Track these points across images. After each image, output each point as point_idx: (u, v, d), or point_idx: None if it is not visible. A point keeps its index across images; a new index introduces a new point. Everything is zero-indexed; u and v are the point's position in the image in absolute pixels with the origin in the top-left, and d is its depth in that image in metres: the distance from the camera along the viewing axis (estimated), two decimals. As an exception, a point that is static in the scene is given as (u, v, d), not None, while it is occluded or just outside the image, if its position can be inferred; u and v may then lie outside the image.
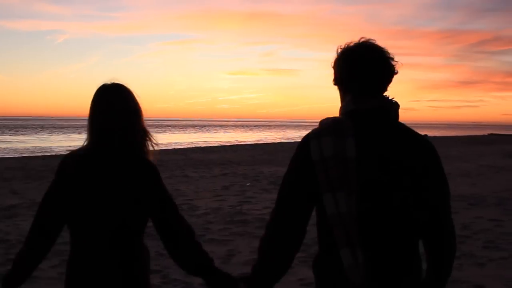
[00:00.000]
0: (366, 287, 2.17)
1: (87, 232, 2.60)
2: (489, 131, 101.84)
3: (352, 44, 2.32)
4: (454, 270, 6.59)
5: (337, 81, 2.39)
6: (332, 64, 2.39)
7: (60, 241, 8.15)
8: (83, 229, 2.61)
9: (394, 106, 2.32)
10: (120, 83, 2.71)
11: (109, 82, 2.70)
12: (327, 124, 2.26)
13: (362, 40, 2.32)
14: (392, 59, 2.31)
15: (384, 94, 2.33)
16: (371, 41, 2.32)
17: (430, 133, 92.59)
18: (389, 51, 2.33)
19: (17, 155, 31.53)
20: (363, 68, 2.27)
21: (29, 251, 2.68)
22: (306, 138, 2.31)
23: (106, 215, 2.55)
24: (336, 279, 2.33)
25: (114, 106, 2.62)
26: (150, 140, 2.77)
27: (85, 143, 2.67)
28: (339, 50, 2.35)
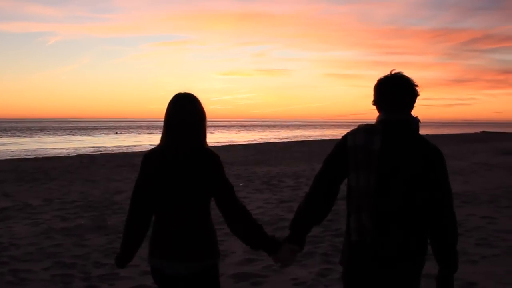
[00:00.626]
0: (373, 245, 3.06)
1: (167, 207, 3.26)
2: (481, 129, 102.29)
3: (383, 76, 3.21)
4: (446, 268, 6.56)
5: (374, 102, 3.25)
6: (373, 90, 3.25)
7: (52, 243, 8.17)
8: (165, 205, 3.27)
9: (415, 120, 3.18)
10: (190, 92, 3.37)
11: (182, 92, 3.37)
12: (362, 126, 3.19)
13: (393, 72, 3.20)
14: (415, 85, 3.17)
15: (411, 111, 3.20)
16: (400, 72, 3.20)
17: (423, 131, 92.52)
18: (412, 80, 3.20)
19: (8, 158, 31.40)
20: (389, 93, 3.15)
21: (129, 232, 3.42)
22: (346, 134, 3.24)
23: (182, 196, 3.23)
24: (351, 247, 3.18)
25: (185, 109, 3.30)
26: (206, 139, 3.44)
27: (162, 140, 3.37)
28: (377, 82, 3.23)
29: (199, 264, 3.22)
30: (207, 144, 3.42)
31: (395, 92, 3.15)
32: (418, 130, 3.18)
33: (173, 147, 3.29)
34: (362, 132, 3.14)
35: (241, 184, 15.41)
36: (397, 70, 3.22)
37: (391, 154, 3.04)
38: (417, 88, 3.19)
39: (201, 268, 3.23)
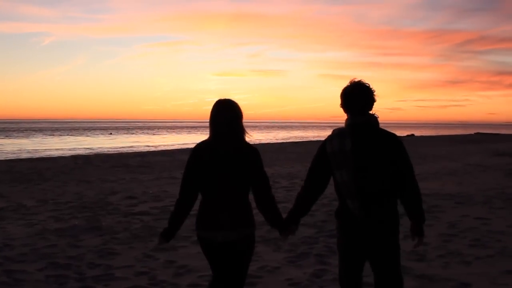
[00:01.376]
0: (361, 216, 3.99)
1: (217, 190, 4.04)
2: (475, 130, 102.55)
3: (347, 85, 4.07)
4: (441, 268, 6.63)
5: (342, 106, 4.12)
6: (340, 96, 4.10)
7: (46, 244, 8.15)
8: (208, 187, 4.07)
9: (375, 119, 4.07)
10: (230, 98, 4.14)
11: (222, 98, 4.12)
12: (336, 130, 4.11)
13: (356, 80, 4.07)
14: (373, 91, 4.06)
15: (370, 111, 4.08)
16: (360, 81, 4.06)
17: (417, 132, 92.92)
18: (371, 86, 4.11)
19: (3, 158, 31.31)
20: (351, 101, 4.03)
21: (179, 210, 4.27)
22: (324, 140, 4.15)
23: (229, 181, 4.01)
24: (345, 214, 4.10)
25: (226, 112, 4.05)
26: (247, 133, 4.14)
27: (208, 137, 4.12)
28: (342, 89, 4.08)
29: (245, 231, 4.11)
30: (244, 138, 4.13)
31: (357, 99, 4.03)
32: (378, 125, 4.08)
33: (220, 141, 4.04)
34: (336, 137, 4.05)
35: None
36: (358, 79, 4.08)
37: (361, 151, 3.96)
38: (374, 93, 4.08)
39: (245, 234, 4.12)
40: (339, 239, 4.25)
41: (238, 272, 4.21)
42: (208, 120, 4.14)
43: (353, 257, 4.18)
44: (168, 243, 4.46)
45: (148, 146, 48.21)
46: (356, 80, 4.07)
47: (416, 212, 4.19)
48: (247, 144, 4.12)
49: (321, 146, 4.17)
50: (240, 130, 4.07)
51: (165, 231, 4.34)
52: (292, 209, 4.34)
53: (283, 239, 4.52)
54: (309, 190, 4.25)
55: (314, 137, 72.10)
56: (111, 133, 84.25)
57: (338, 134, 4.05)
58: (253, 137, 4.31)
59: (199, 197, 4.24)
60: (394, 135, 4.10)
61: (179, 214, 4.28)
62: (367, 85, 4.05)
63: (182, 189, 4.23)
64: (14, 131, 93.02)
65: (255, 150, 4.11)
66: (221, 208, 4.06)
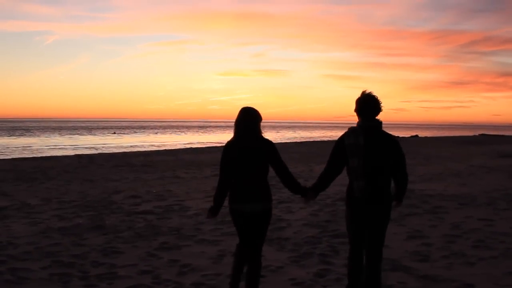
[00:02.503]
0: (364, 193, 5.21)
1: (240, 174, 5.34)
2: (480, 132, 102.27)
3: (361, 95, 5.34)
4: (444, 269, 6.62)
5: (356, 111, 5.38)
6: (355, 103, 5.37)
7: (50, 242, 8.16)
8: (238, 174, 5.34)
9: (380, 123, 5.35)
10: (251, 106, 5.51)
11: (245, 106, 5.50)
12: (350, 130, 5.34)
13: (367, 92, 5.35)
14: (380, 102, 5.33)
15: (376, 117, 5.35)
16: (371, 93, 5.33)
17: (421, 133, 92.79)
18: (376, 97, 5.39)
19: (7, 157, 31.38)
20: (364, 109, 5.30)
21: (220, 192, 5.45)
22: (342, 136, 5.37)
23: (248, 167, 5.32)
24: (352, 192, 5.33)
25: (245, 119, 5.40)
26: (263, 132, 5.46)
27: (235, 135, 5.44)
28: (357, 99, 5.37)
29: (266, 204, 5.40)
30: (262, 135, 5.44)
31: (368, 108, 5.31)
32: (381, 128, 5.38)
33: (241, 140, 5.38)
34: (351, 134, 5.31)
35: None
36: (368, 91, 5.36)
37: (370, 146, 5.23)
38: (381, 104, 5.36)
39: (267, 206, 5.41)
40: (347, 212, 5.54)
41: (260, 236, 5.50)
42: (234, 123, 5.52)
43: (354, 224, 5.44)
44: (215, 217, 5.72)
45: (152, 145, 48.27)
46: (367, 91, 5.36)
47: (402, 190, 5.58)
48: (263, 139, 5.42)
49: (340, 139, 5.43)
50: (256, 131, 5.39)
51: (211, 208, 5.55)
52: (315, 183, 5.59)
53: (306, 202, 5.75)
54: (329, 171, 5.49)
55: (317, 137, 72.10)
56: (114, 133, 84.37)
57: (353, 131, 5.34)
58: (267, 134, 5.60)
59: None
60: (392, 136, 5.43)
61: (220, 194, 5.48)
62: (376, 97, 5.34)
63: (221, 175, 5.45)
64: (17, 130, 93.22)
65: (269, 142, 5.44)
66: (248, 188, 5.34)
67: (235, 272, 5.59)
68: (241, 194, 5.37)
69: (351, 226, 5.46)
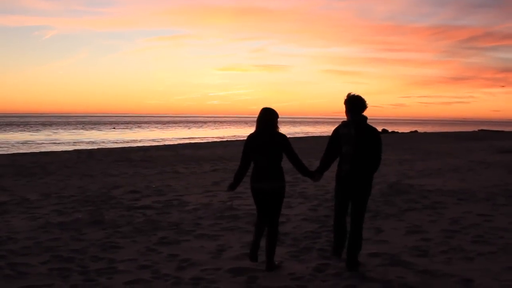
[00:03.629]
0: (350, 175, 6.50)
1: (259, 159, 6.51)
2: (479, 127, 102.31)
3: (348, 97, 6.57)
4: (443, 264, 6.64)
5: (346, 110, 6.58)
6: (344, 103, 6.59)
7: (49, 237, 8.15)
8: (257, 158, 6.51)
9: (365, 118, 6.55)
10: (269, 107, 6.63)
11: (266, 107, 6.63)
12: (344, 123, 6.59)
13: (352, 93, 6.59)
14: (365, 101, 6.56)
15: (362, 113, 6.57)
16: (356, 94, 6.59)
17: (420, 129, 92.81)
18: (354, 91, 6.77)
19: (6, 152, 31.37)
20: (353, 107, 6.54)
21: (239, 172, 6.73)
22: (337, 127, 6.67)
23: (266, 155, 6.45)
24: (340, 173, 6.60)
25: (268, 115, 6.55)
26: (278, 128, 6.63)
27: (256, 129, 6.55)
28: (345, 98, 6.59)
29: (281, 183, 6.56)
30: (278, 130, 6.62)
31: (356, 106, 6.58)
32: (366, 121, 6.60)
33: (264, 132, 6.54)
34: (344, 126, 6.60)
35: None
36: (353, 93, 6.64)
37: (359, 136, 6.47)
38: (366, 102, 6.60)
39: (281, 185, 6.57)
40: (335, 188, 6.81)
41: (275, 209, 6.63)
42: (256, 119, 6.68)
43: (343, 198, 6.72)
44: (234, 191, 7.00)
45: (151, 140, 48.26)
46: (352, 93, 6.64)
47: (375, 168, 6.67)
48: (278, 133, 6.58)
49: (335, 130, 6.74)
50: (272, 127, 6.55)
51: (231, 184, 6.87)
52: (318, 166, 6.86)
53: (314, 181, 6.94)
54: (328, 156, 6.82)
55: (317, 132, 72.12)
56: (114, 128, 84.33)
57: (346, 124, 6.61)
58: (282, 129, 6.76)
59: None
60: (375, 128, 6.65)
61: (240, 174, 6.78)
62: (361, 97, 6.61)
63: (242, 160, 6.73)
64: (16, 125, 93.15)
65: (283, 136, 6.60)
66: (264, 170, 6.53)
67: (255, 238, 6.69)
68: (259, 175, 6.56)
69: (338, 198, 6.77)
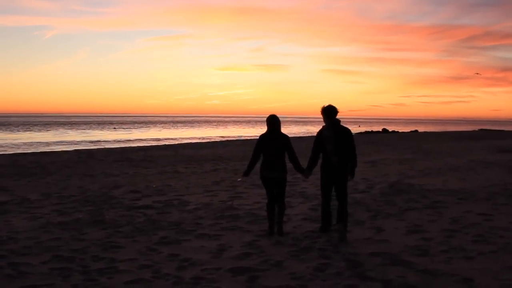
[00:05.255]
0: (338, 164, 8.23)
1: (267, 153, 8.38)
2: (479, 127, 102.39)
3: (323, 107, 8.42)
4: (444, 264, 6.63)
5: (323, 116, 8.40)
6: (321, 112, 8.43)
7: (50, 237, 8.14)
8: (266, 153, 8.38)
9: (339, 121, 8.39)
10: (274, 114, 8.56)
11: (272, 114, 8.54)
12: (325, 127, 8.40)
13: (327, 105, 8.45)
14: (337, 108, 8.41)
15: (336, 117, 8.45)
16: (328, 105, 8.46)
17: (420, 128, 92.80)
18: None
19: (6, 152, 31.39)
20: (328, 114, 8.37)
21: (251, 162, 8.58)
22: (320, 130, 8.47)
23: (272, 150, 8.34)
24: (326, 166, 8.36)
25: (274, 120, 8.46)
26: (282, 128, 8.61)
27: (267, 130, 8.44)
28: (321, 109, 8.43)
29: (283, 173, 8.36)
30: (281, 131, 8.52)
31: (330, 113, 8.31)
32: (340, 123, 8.34)
33: (272, 132, 8.40)
34: (325, 129, 8.30)
35: (239, 180, 15.43)
36: (327, 104, 8.44)
37: (337, 136, 8.19)
38: (337, 109, 8.37)
39: (283, 175, 8.37)
40: (321, 176, 8.47)
41: (280, 192, 8.47)
42: (266, 122, 8.56)
43: (327, 184, 8.44)
44: (247, 176, 8.84)
45: (151, 140, 48.26)
46: (326, 105, 8.44)
47: (353, 166, 8.37)
48: (282, 133, 8.49)
49: (319, 132, 8.48)
50: (279, 128, 8.49)
51: (245, 172, 8.77)
52: (307, 165, 8.48)
53: (304, 178, 8.77)
54: (315, 155, 8.48)
55: (317, 132, 71.95)
56: (114, 128, 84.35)
57: (327, 128, 8.35)
58: (287, 129, 7.63)
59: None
60: (348, 128, 8.47)
61: (252, 164, 8.61)
62: (333, 105, 8.42)
63: (254, 153, 8.55)
64: (16, 125, 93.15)
65: (286, 136, 8.52)
66: (271, 162, 8.36)
67: (270, 215, 8.51)
68: (267, 166, 8.40)
69: (324, 185, 8.47)
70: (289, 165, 8.51)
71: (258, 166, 8.60)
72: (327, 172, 8.33)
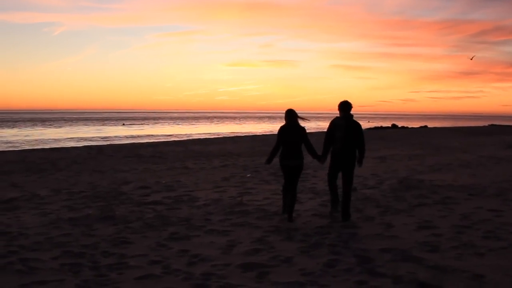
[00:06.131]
0: (341, 152, 9.16)
1: (285, 145, 9.18)
2: (489, 122, 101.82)
3: (340, 102, 9.43)
4: (454, 260, 6.61)
5: (339, 109, 9.37)
6: (337, 107, 9.40)
7: (60, 233, 8.18)
8: (285, 143, 9.17)
9: (351, 115, 9.36)
10: (292, 108, 9.36)
11: (290, 108, 9.36)
12: (338, 117, 9.38)
13: (344, 100, 9.46)
14: (351, 104, 9.39)
15: (350, 112, 9.43)
16: (345, 100, 9.48)
17: (430, 124, 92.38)
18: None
19: (16, 148, 31.53)
20: (343, 108, 9.33)
21: (274, 151, 9.37)
22: (333, 120, 9.43)
23: (291, 140, 9.16)
24: (334, 151, 9.27)
25: (292, 113, 9.27)
26: (300, 120, 9.41)
27: (286, 122, 9.28)
28: (339, 103, 9.44)
29: (301, 161, 9.22)
30: (299, 123, 9.34)
31: (345, 108, 9.28)
32: (353, 117, 9.31)
33: (291, 124, 9.20)
34: (338, 119, 9.28)
35: (248, 175, 15.43)
36: (344, 100, 9.45)
37: (348, 126, 9.15)
38: (351, 104, 9.33)
39: (300, 162, 9.21)
40: (330, 162, 9.42)
41: (296, 178, 9.31)
42: (284, 115, 9.43)
43: (334, 169, 9.39)
44: (269, 164, 9.62)
45: (161, 136, 48.33)
46: (343, 100, 9.45)
47: (362, 155, 9.32)
48: (299, 125, 9.30)
49: (332, 121, 9.41)
50: (297, 120, 9.29)
51: (267, 160, 9.50)
52: (322, 152, 9.38)
53: (321, 163, 9.47)
54: (328, 142, 9.35)
55: (326, 127, 71.84)
56: (123, 124, 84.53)
57: (339, 118, 9.32)
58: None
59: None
60: (359, 123, 9.41)
61: (274, 152, 9.38)
62: (349, 101, 9.40)
63: (276, 143, 9.28)
64: (26, 121, 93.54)
65: (303, 127, 9.30)
66: (290, 151, 9.16)
67: (285, 197, 9.55)
68: (286, 154, 9.18)
69: (331, 169, 9.43)
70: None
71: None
72: (333, 158, 9.30)
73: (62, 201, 11.18)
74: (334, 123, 9.30)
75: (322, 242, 7.73)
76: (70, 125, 78.20)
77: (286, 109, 9.37)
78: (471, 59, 53.35)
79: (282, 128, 9.31)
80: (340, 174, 9.36)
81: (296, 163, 9.16)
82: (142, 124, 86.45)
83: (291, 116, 9.23)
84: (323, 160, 9.36)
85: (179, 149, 27.87)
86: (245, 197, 11.52)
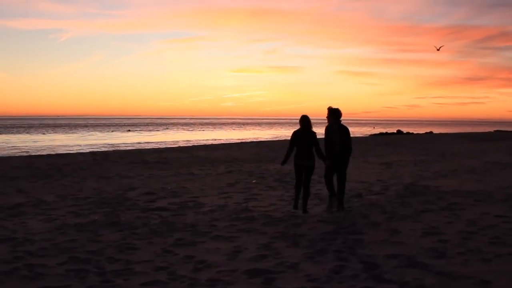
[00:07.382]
0: (339, 154, 10.63)
1: (299, 147, 10.44)
2: (495, 128, 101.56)
3: (332, 109, 10.85)
4: (460, 266, 6.57)
5: (330, 116, 10.88)
6: (327, 112, 10.93)
7: (66, 238, 8.18)
8: (299, 145, 10.43)
9: (341, 121, 10.94)
10: (306, 114, 10.68)
11: (304, 114, 10.71)
12: (330, 123, 10.82)
13: (331, 106, 10.94)
14: (340, 111, 10.89)
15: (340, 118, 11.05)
16: (335, 107, 10.92)
17: (435, 129, 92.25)
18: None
19: (22, 154, 31.61)
20: (335, 115, 10.84)
21: (288, 153, 10.48)
22: (327, 126, 10.80)
23: (304, 143, 10.42)
24: (332, 152, 10.63)
25: (306, 119, 10.55)
26: (312, 127, 10.61)
27: (300, 127, 10.56)
28: (328, 110, 10.93)
29: (313, 161, 10.44)
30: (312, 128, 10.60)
31: (337, 114, 10.80)
32: (341, 122, 10.90)
33: (305, 129, 10.46)
34: (331, 125, 10.70)
35: (254, 181, 15.43)
36: (335, 106, 10.92)
37: (340, 131, 10.67)
38: (341, 111, 10.84)
39: (312, 163, 10.44)
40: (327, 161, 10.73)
41: (308, 178, 10.44)
42: (299, 121, 10.61)
43: (332, 170, 10.60)
44: (283, 165, 10.71)
45: (166, 142, 48.39)
46: (333, 106, 10.80)
47: (349, 153, 10.65)
48: (311, 130, 10.42)
49: (327, 127, 10.67)
50: (310, 126, 10.45)
51: (282, 162, 10.54)
52: (326, 154, 10.47)
53: (327, 165, 10.53)
54: (330, 146, 10.50)
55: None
56: (129, 130, 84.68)
57: (333, 124, 10.63)
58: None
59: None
60: (347, 127, 10.83)
61: (288, 154, 10.37)
62: (338, 108, 10.80)
63: (290, 145, 10.40)
64: (32, 127, 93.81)
65: (314, 132, 10.41)
66: (303, 152, 10.32)
67: (296, 195, 10.47)
68: (300, 155, 10.34)
69: (330, 170, 10.62)
70: None
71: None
72: (331, 158, 10.54)
73: (68, 207, 11.20)
74: (329, 129, 10.65)
75: (328, 248, 7.71)
76: (76, 131, 78.37)
77: (301, 115, 10.62)
78: (438, 49, 53.20)
79: (296, 132, 10.51)
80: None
81: (309, 163, 10.36)
82: (147, 130, 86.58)
83: (306, 121, 10.45)
84: (329, 162, 10.51)
85: (184, 155, 27.89)
86: (251, 203, 11.50)
